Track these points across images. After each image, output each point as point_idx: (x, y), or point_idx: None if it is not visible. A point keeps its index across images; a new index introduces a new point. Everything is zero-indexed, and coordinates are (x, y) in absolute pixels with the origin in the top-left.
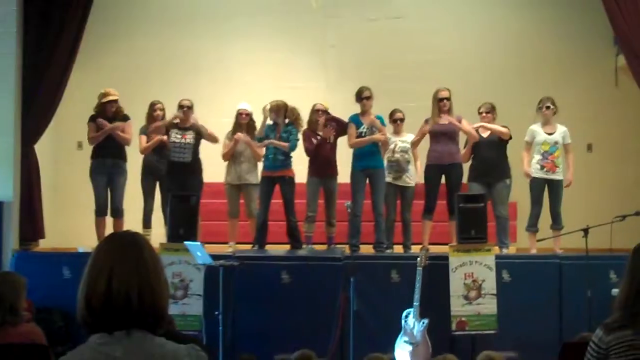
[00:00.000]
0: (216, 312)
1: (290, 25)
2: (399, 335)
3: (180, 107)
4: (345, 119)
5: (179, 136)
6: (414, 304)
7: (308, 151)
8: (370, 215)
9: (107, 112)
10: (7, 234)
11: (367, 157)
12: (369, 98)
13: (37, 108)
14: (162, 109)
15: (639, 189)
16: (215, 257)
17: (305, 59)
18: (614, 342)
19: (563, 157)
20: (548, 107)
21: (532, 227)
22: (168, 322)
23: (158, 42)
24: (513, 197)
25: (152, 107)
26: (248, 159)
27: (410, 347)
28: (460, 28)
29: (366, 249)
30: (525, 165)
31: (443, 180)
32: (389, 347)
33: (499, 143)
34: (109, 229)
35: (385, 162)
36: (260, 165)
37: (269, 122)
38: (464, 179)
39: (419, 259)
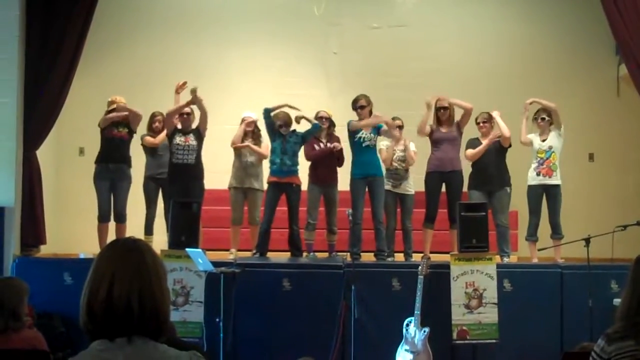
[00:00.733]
0: (217, 319)
1: (293, 33)
2: (400, 344)
3: (180, 114)
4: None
5: (182, 139)
6: (415, 312)
7: (308, 156)
8: (370, 223)
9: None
10: (9, 239)
11: (367, 165)
12: (363, 107)
13: (39, 113)
14: (162, 121)
15: None
16: (216, 264)
17: (307, 66)
18: (616, 352)
19: (559, 161)
20: (543, 119)
21: (532, 236)
22: (170, 329)
23: (160, 48)
24: (514, 205)
25: (153, 118)
26: (254, 164)
27: (411, 356)
28: (462, 37)
29: (367, 257)
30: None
31: (443, 188)
32: (390, 356)
33: (499, 151)
34: (111, 235)
35: (384, 170)
36: (265, 170)
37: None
38: (464, 187)
39: (420, 267)
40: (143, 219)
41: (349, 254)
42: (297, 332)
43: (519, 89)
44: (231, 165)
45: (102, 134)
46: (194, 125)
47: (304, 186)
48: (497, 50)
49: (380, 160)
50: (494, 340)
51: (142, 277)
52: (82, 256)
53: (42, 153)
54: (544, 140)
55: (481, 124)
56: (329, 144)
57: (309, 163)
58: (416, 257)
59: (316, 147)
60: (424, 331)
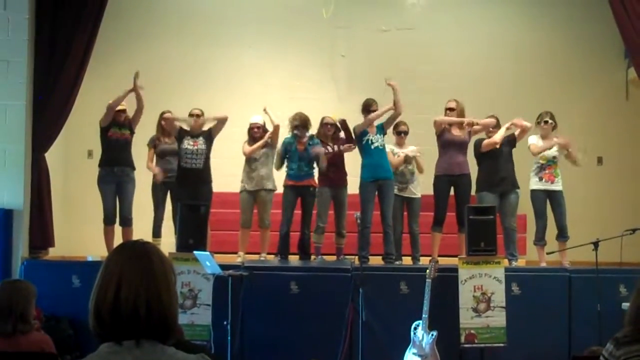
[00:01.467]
0: (225, 322)
1: (301, 36)
2: (408, 347)
3: (191, 116)
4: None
5: (191, 143)
6: (423, 315)
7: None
8: (378, 226)
9: (118, 120)
10: (17, 242)
11: (377, 167)
12: (375, 112)
13: (48, 116)
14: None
15: None
16: (224, 267)
17: (316, 69)
18: (625, 356)
19: (561, 169)
20: (546, 122)
21: (540, 240)
22: (177, 332)
23: (169, 51)
24: (522, 209)
25: (162, 116)
26: (265, 164)
27: (419, 359)
28: (471, 40)
29: (375, 261)
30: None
31: (452, 191)
32: (398, 359)
33: (509, 153)
34: (118, 238)
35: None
36: (274, 172)
37: (290, 134)
38: (473, 190)
39: (428, 270)
40: (150, 222)
41: (357, 257)
42: (304, 335)
43: (528, 92)
44: (239, 168)
45: (104, 136)
46: (204, 128)
47: None
48: (506, 53)
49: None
50: (502, 344)
51: (149, 281)
52: (90, 259)
53: (51, 156)
54: (548, 149)
55: (490, 129)
56: (341, 147)
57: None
58: (423, 261)
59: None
60: (432, 335)
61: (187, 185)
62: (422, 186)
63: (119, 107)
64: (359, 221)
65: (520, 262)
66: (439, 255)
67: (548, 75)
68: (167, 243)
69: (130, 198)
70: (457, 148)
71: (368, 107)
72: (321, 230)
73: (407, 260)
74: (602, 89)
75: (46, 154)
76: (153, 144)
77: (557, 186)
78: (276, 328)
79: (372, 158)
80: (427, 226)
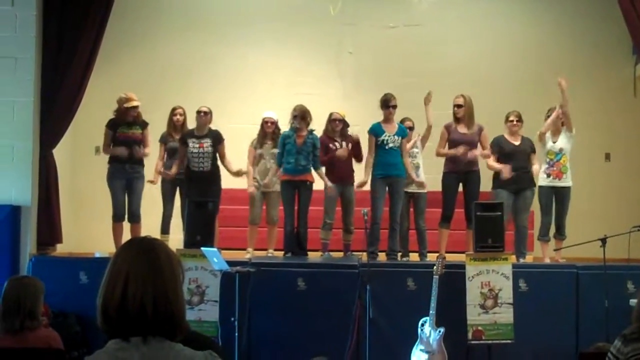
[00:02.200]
0: (232, 319)
1: (308, 33)
2: (415, 344)
3: (197, 112)
4: (363, 125)
5: (196, 145)
6: (430, 312)
7: (322, 161)
8: (385, 223)
9: (129, 117)
10: (25, 238)
11: (389, 166)
12: (395, 107)
13: (55, 113)
14: (182, 114)
15: None
16: (231, 263)
17: (322, 66)
18: (632, 353)
19: (570, 163)
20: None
21: (544, 236)
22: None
23: (175, 48)
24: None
25: (173, 112)
26: (272, 169)
27: (426, 356)
28: (477, 36)
29: (381, 257)
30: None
31: (461, 188)
32: (405, 356)
33: (528, 153)
34: (126, 234)
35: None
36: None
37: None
38: (489, 187)
39: (435, 267)
40: (159, 219)
41: (365, 253)
42: (311, 331)
43: (535, 88)
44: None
45: (115, 135)
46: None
47: (317, 185)
48: (512, 50)
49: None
50: (509, 341)
51: (156, 279)
52: (97, 255)
53: (59, 152)
54: (555, 142)
55: (515, 122)
56: (343, 144)
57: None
58: (430, 257)
59: (331, 146)
60: (439, 331)
61: (195, 186)
62: (433, 183)
63: (131, 104)
64: (366, 218)
65: (528, 259)
66: (447, 252)
67: (555, 72)
68: (176, 239)
69: (140, 194)
70: (465, 146)
71: (387, 103)
72: (329, 227)
73: (414, 257)
74: (610, 86)
75: (54, 151)
76: (164, 140)
77: (565, 182)
78: (283, 324)
79: (385, 157)
80: (434, 222)
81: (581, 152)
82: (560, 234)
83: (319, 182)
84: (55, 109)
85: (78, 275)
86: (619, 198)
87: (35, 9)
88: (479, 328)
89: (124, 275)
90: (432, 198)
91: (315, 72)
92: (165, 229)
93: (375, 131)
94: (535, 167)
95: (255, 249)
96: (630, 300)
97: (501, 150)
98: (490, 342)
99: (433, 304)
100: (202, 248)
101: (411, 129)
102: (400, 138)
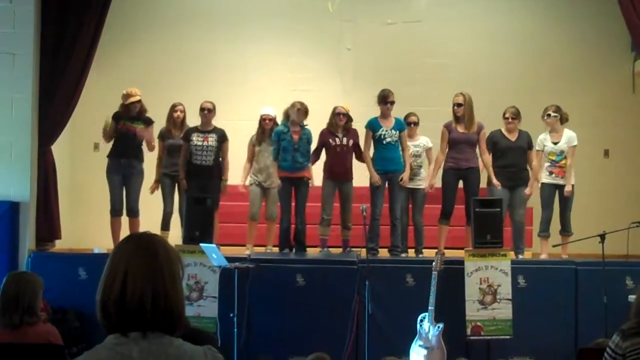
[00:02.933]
0: (231, 314)
1: (307, 29)
2: (414, 340)
3: (202, 109)
4: (362, 121)
5: (200, 139)
6: (429, 308)
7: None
8: (386, 219)
9: (131, 112)
10: (24, 234)
11: (388, 161)
12: (393, 103)
13: (54, 109)
14: (183, 111)
15: None
16: (230, 259)
17: (321, 62)
18: (631, 348)
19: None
20: (549, 115)
21: (544, 232)
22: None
23: (175, 43)
24: (530, 202)
25: (173, 108)
26: (273, 165)
27: (425, 352)
28: (477, 33)
29: (382, 253)
30: (536, 172)
31: (461, 184)
32: (404, 351)
33: (523, 150)
34: (124, 229)
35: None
36: None
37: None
38: (485, 183)
39: (434, 263)
40: (158, 214)
41: (364, 249)
42: (310, 327)
43: (534, 84)
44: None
45: (117, 128)
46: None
47: (318, 181)
48: (511, 46)
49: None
50: (508, 336)
51: (155, 275)
52: (96, 251)
53: (57, 148)
54: (556, 143)
55: (511, 119)
56: (344, 139)
57: (326, 157)
58: (428, 253)
59: (331, 141)
60: (438, 327)
61: (196, 181)
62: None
63: (132, 99)
64: (365, 214)
65: (527, 255)
66: (446, 248)
67: (554, 68)
68: (174, 235)
69: (137, 189)
70: (466, 146)
71: (385, 99)
72: (326, 223)
73: (412, 253)
74: (609, 82)
75: (52, 147)
76: (163, 137)
77: (567, 180)
78: (282, 320)
79: (383, 152)
80: (432, 219)
81: (580, 149)
82: (566, 230)
83: (319, 180)
84: (54, 105)
85: (77, 271)
86: (618, 194)
87: (33, 5)
88: (478, 324)
89: (123, 271)
90: (430, 195)
91: (314, 68)
92: (165, 226)
93: (372, 126)
94: (534, 164)
95: (255, 245)
96: (629, 296)
97: (495, 146)
98: (489, 337)
99: (432, 300)
100: (201, 244)
101: (416, 124)
102: (397, 132)
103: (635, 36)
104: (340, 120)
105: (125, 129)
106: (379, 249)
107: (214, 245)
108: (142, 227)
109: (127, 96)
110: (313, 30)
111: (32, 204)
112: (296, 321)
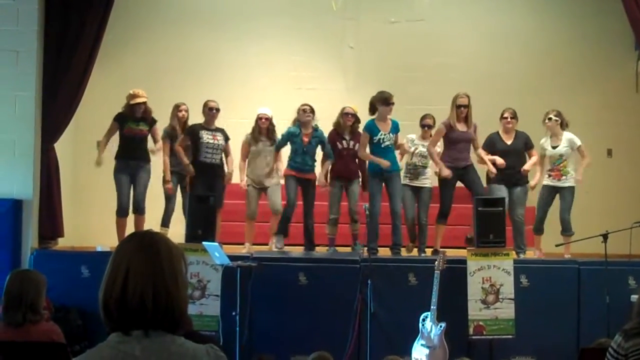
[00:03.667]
0: (233, 313)
1: (310, 27)
2: (416, 339)
3: (210, 108)
4: (364, 120)
5: (210, 137)
6: (432, 307)
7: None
8: (387, 218)
9: (136, 113)
10: (27, 232)
11: None
12: (393, 104)
13: (57, 107)
14: (187, 110)
15: None
16: (233, 257)
17: (324, 61)
18: (633, 348)
19: (571, 165)
20: (550, 119)
21: (537, 230)
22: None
23: (178, 42)
24: (531, 202)
25: (177, 108)
26: (268, 163)
27: (427, 351)
28: (480, 32)
29: (383, 252)
30: (538, 177)
31: (459, 183)
32: (406, 350)
33: (522, 150)
34: (129, 227)
35: (402, 165)
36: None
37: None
38: (484, 183)
39: (436, 262)
40: (159, 211)
41: (366, 248)
42: (312, 326)
43: (536, 84)
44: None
45: (121, 131)
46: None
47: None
48: (514, 46)
49: (397, 156)
50: (510, 336)
51: (156, 274)
52: (99, 249)
53: (60, 146)
54: (555, 147)
55: (509, 119)
56: (351, 143)
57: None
58: (428, 252)
59: (338, 144)
60: (441, 326)
61: (202, 179)
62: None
63: (139, 100)
64: (367, 212)
65: (528, 254)
66: (447, 247)
67: (557, 67)
68: (175, 232)
69: (145, 187)
70: (465, 144)
71: (388, 100)
72: (334, 222)
73: (413, 252)
74: (612, 81)
75: (55, 145)
76: (168, 136)
77: (566, 183)
78: (284, 319)
79: (381, 154)
80: (430, 218)
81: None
82: (566, 230)
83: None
84: (57, 103)
85: (80, 269)
86: (621, 194)
87: (37, 2)
88: (480, 323)
89: (124, 269)
90: (432, 193)
91: (318, 67)
92: (165, 222)
93: (370, 130)
94: (532, 161)
95: (253, 244)
96: (632, 296)
97: (492, 149)
98: (491, 337)
99: (434, 299)
100: (204, 242)
101: (430, 127)
102: (394, 135)
103: (639, 35)
104: (348, 121)
105: (131, 133)
106: (380, 248)
107: (216, 243)
108: (145, 224)
109: (132, 96)
110: (316, 29)
111: (35, 202)
112: (298, 320)
